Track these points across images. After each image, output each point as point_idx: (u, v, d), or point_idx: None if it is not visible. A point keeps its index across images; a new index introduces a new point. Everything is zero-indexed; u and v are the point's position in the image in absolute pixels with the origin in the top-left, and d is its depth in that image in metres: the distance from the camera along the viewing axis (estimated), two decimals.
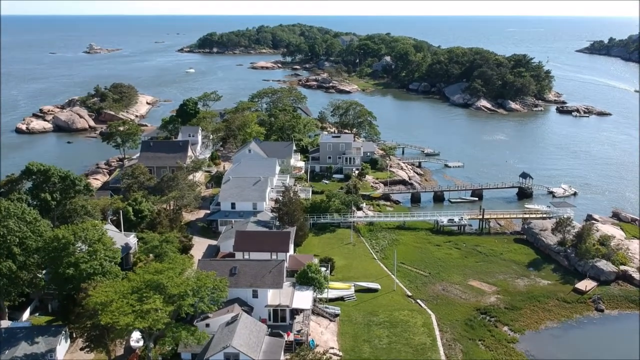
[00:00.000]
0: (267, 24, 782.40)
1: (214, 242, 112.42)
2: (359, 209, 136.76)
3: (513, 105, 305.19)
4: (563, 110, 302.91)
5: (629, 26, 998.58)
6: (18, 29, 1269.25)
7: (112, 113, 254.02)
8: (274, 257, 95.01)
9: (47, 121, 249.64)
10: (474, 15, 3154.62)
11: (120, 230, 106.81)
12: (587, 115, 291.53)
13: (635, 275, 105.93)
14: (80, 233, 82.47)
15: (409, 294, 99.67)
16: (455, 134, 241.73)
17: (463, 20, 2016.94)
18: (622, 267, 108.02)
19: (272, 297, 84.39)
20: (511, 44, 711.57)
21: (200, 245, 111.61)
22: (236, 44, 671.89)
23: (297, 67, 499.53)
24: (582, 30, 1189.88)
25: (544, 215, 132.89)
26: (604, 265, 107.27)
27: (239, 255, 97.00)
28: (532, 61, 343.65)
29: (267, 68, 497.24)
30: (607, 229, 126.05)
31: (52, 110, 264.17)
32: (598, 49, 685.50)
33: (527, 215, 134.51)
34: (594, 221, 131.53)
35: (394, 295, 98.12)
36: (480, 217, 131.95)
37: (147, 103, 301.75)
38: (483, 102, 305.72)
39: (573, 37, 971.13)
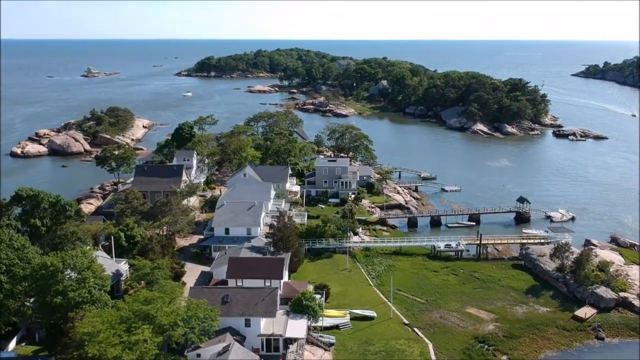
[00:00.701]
0: (265, 48, 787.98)
1: (207, 269, 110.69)
2: (355, 234, 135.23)
3: (509, 129, 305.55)
4: (559, 134, 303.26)
5: (627, 50, 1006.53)
6: (17, 52, 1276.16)
7: (108, 137, 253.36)
8: (267, 284, 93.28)
9: (43, 145, 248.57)
10: (472, 39, 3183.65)
11: (112, 257, 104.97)
12: (583, 139, 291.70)
13: (636, 302, 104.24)
14: (69, 260, 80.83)
15: (406, 322, 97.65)
16: (451, 158, 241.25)
17: (461, 44, 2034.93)
18: (622, 294, 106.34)
19: (265, 326, 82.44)
20: (506, 69, 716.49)
21: (192, 272, 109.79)
22: (234, 67, 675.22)
23: (294, 90, 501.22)
24: (579, 54, 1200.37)
25: (542, 241, 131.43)
26: (603, 291, 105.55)
27: (231, 282, 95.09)
28: (528, 85, 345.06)
29: (264, 92, 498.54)
30: (606, 254, 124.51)
31: (47, 134, 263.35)
32: (593, 73, 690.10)
33: (525, 241, 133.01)
34: (592, 246, 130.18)
35: (390, 323, 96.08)
36: (478, 242, 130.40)
37: (144, 127, 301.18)
38: (479, 126, 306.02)
39: (569, 61, 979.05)
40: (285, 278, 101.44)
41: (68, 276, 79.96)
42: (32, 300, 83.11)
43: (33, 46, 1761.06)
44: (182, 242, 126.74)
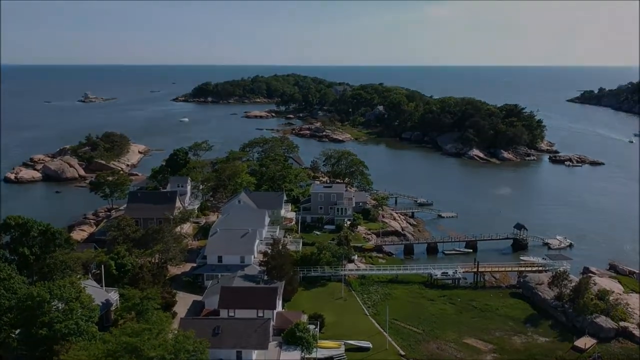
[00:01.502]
0: (262, 73, 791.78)
1: (199, 298, 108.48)
2: (351, 261, 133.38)
3: (506, 154, 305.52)
4: (556, 160, 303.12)
5: (622, 76, 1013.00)
6: (16, 78, 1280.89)
7: (103, 162, 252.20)
8: (260, 314, 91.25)
9: (37, 170, 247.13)
10: (469, 65, 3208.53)
11: (102, 286, 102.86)
12: (579, 164, 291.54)
13: (636, 332, 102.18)
14: (56, 291, 78.87)
15: (402, 353, 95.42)
16: (448, 184, 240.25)
17: (458, 70, 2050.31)
18: (622, 323, 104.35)
19: (257, 358, 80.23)
20: (502, 94, 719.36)
21: (184, 301, 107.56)
22: (231, 93, 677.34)
23: (291, 116, 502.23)
24: (575, 80, 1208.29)
25: (540, 268, 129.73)
26: (603, 321, 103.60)
27: (223, 312, 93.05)
28: (524, 111, 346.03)
29: (261, 117, 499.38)
30: (605, 282, 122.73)
31: (42, 159, 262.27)
32: (588, 98, 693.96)
33: (522, 268, 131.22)
34: (591, 274, 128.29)
35: (386, 354, 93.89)
36: (475, 270, 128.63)
37: (139, 152, 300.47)
38: (475, 152, 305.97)
39: (565, 86, 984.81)
40: (279, 307, 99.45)
41: (55, 307, 77.88)
42: (17, 331, 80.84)
43: (31, 71, 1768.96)
44: (174, 270, 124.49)
